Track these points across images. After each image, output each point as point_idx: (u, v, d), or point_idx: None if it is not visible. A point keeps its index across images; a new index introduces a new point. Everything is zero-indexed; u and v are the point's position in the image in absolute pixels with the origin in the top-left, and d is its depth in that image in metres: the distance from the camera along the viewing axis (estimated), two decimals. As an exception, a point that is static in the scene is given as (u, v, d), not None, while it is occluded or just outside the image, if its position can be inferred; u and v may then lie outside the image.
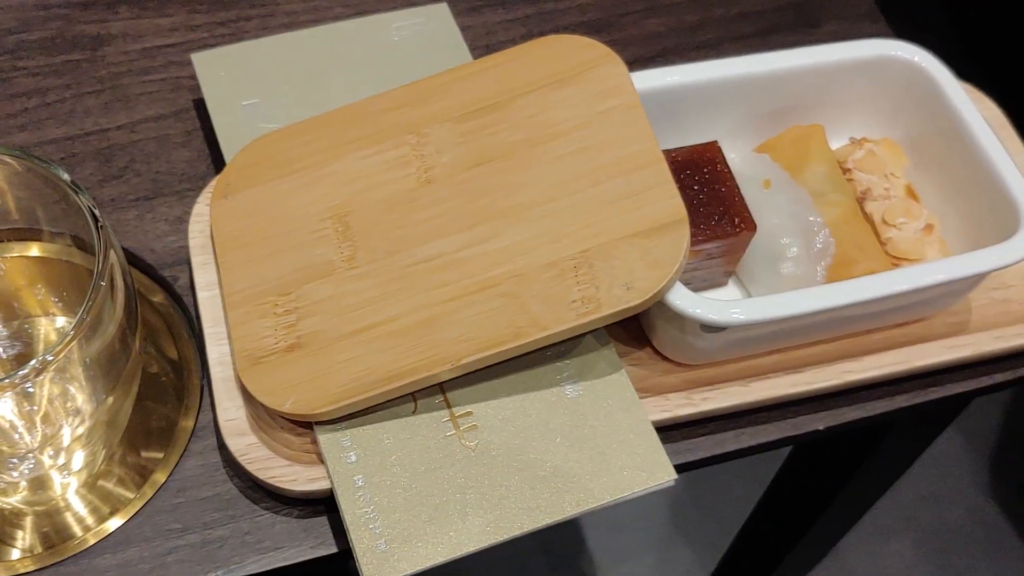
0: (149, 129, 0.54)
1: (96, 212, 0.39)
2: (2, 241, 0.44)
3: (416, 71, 0.54)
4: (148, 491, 0.45)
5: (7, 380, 0.37)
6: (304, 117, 0.51)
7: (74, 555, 0.43)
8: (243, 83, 0.53)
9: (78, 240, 0.43)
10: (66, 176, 0.40)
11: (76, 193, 0.40)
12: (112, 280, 0.39)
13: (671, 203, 0.43)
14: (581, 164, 0.45)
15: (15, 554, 0.45)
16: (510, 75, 0.48)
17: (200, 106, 0.55)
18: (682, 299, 0.42)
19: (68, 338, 0.37)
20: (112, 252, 0.39)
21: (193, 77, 0.56)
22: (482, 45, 0.60)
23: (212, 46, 0.57)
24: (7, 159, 0.41)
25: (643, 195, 0.44)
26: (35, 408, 0.44)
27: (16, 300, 0.47)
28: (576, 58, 0.47)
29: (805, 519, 0.80)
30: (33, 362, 0.37)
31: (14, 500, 0.46)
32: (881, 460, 0.68)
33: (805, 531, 0.81)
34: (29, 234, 0.45)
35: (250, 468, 0.43)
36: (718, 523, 1.16)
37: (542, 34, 0.62)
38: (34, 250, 0.45)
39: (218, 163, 0.54)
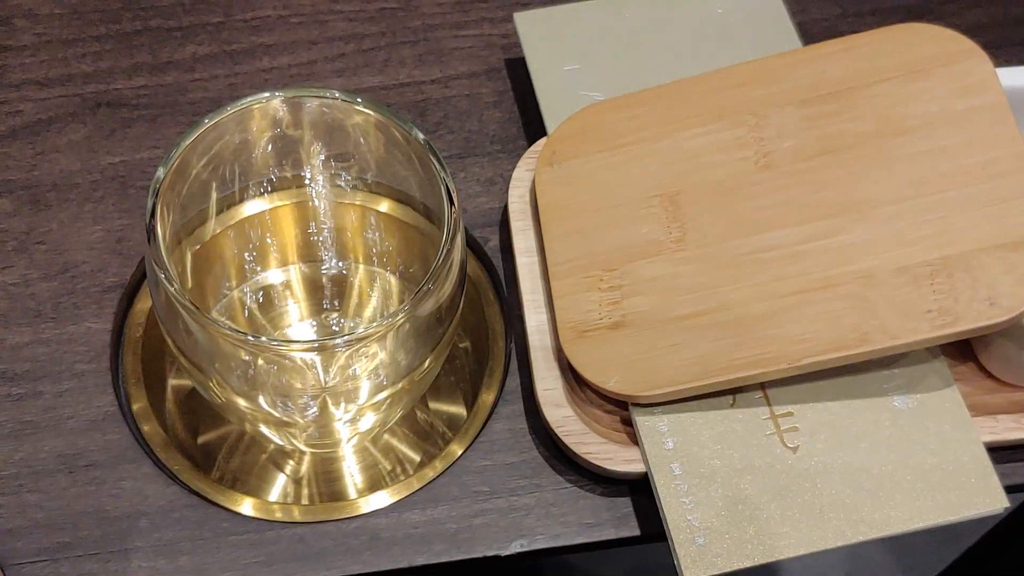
0: (462, 86, 0.54)
1: (453, 196, 0.39)
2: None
3: (739, 47, 0.52)
4: (456, 448, 0.45)
5: (344, 340, 0.37)
6: (623, 87, 0.49)
7: (387, 506, 0.43)
8: (564, 47, 0.52)
9: (422, 205, 0.43)
10: (435, 159, 0.40)
11: (438, 170, 0.39)
12: (451, 259, 0.39)
13: (1042, 216, 0.40)
14: (938, 164, 0.42)
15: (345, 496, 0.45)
16: (859, 61, 0.45)
17: (511, 66, 0.55)
18: (1048, 321, 0.40)
19: (405, 312, 0.37)
20: (459, 235, 0.39)
21: (505, 35, 0.56)
22: (794, 22, 0.58)
23: (525, 5, 0.56)
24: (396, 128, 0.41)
25: (1009, 204, 0.41)
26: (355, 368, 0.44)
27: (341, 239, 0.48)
28: (934, 49, 0.44)
29: None
30: (373, 324, 0.37)
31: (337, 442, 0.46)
32: None
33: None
34: (380, 188, 0.45)
35: (567, 440, 0.42)
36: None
37: (858, 14, 0.59)
38: (384, 206, 0.45)
39: (529, 127, 0.53)
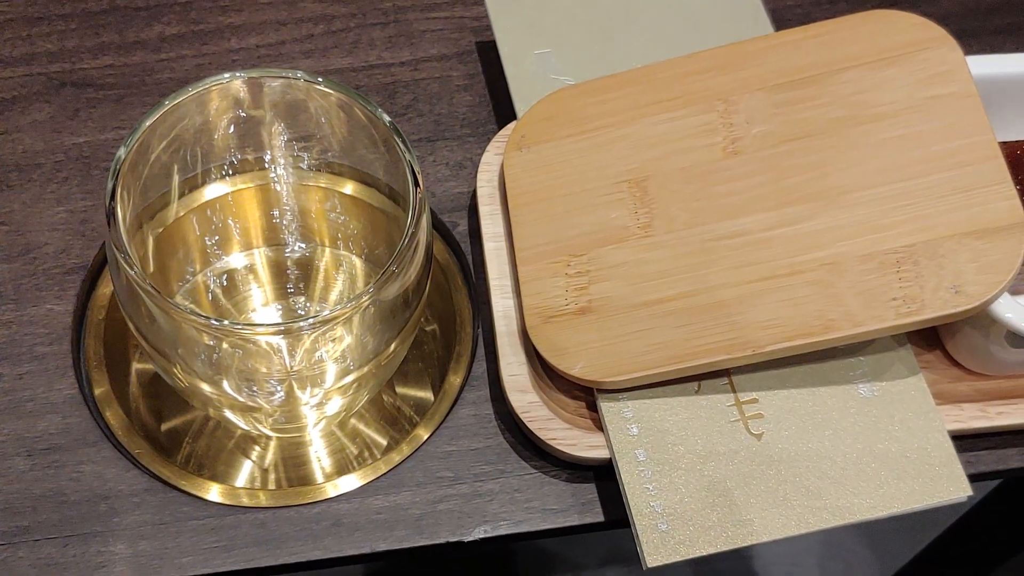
0: (432, 68, 0.54)
1: (418, 177, 0.38)
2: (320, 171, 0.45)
3: (711, 32, 0.52)
4: (422, 433, 0.45)
5: (310, 323, 0.36)
6: (595, 72, 0.49)
7: (350, 492, 0.43)
8: (535, 31, 0.52)
9: (387, 187, 0.43)
10: (400, 140, 0.39)
11: (403, 151, 0.39)
12: (416, 241, 0.38)
13: (1008, 205, 0.40)
14: (907, 151, 0.42)
15: (313, 481, 0.45)
16: (829, 48, 0.45)
17: (483, 49, 0.54)
18: (1013, 311, 0.39)
19: (370, 294, 0.37)
20: (424, 217, 0.38)
21: (476, 18, 0.55)
22: (768, 8, 0.57)
23: (500, -14, 0.56)
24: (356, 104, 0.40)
25: (977, 192, 0.41)
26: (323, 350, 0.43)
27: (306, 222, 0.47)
28: (904, 37, 0.44)
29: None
30: (338, 307, 0.36)
31: (283, 427, 0.46)
32: None
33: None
34: (344, 170, 0.45)
35: (532, 426, 0.42)
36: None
37: (831, 0, 0.59)
38: (349, 188, 0.45)
39: (499, 111, 0.53)
